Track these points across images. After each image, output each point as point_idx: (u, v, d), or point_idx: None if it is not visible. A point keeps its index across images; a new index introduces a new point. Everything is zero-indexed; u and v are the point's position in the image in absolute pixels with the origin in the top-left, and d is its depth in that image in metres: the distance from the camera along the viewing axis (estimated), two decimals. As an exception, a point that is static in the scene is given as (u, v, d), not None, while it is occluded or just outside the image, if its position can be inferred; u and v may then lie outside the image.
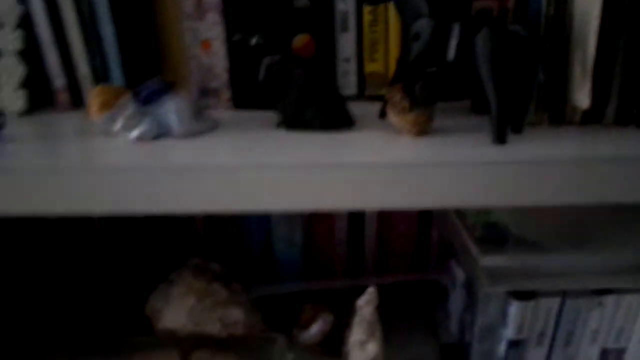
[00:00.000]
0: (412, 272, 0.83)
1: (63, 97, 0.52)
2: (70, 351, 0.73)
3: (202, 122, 0.45)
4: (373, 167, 0.40)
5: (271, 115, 0.50)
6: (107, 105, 0.42)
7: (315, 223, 0.81)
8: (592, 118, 0.46)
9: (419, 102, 0.42)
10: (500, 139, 0.42)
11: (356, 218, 0.82)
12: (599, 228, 0.60)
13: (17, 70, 0.51)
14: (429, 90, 0.42)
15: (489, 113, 0.43)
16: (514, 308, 0.59)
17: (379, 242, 0.83)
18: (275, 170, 0.40)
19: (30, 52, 0.51)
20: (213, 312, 0.72)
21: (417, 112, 0.43)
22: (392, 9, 0.51)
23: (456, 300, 0.68)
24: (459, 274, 0.66)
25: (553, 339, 0.62)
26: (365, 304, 0.60)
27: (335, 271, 0.86)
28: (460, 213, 0.66)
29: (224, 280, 0.75)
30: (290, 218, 0.80)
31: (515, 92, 0.42)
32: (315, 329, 0.75)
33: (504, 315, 0.60)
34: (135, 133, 0.43)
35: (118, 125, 0.43)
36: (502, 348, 0.62)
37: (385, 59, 0.52)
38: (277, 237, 0.81)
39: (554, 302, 0.60)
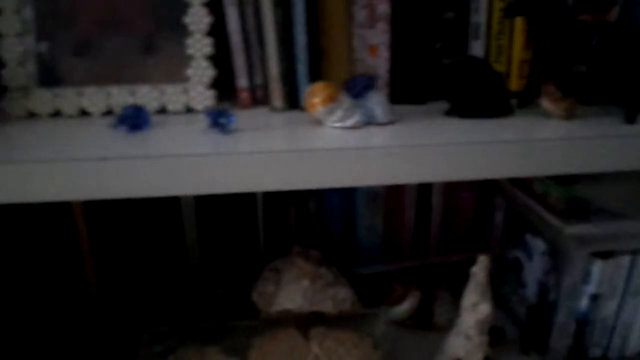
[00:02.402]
0: (475, 251, 0.95)
1: (244, 95, 0.59)
2: (189, 338, 0.77)
3: (393, 113, 0.54)
4: (538, 142, 0.51)
5: (426, 108, 0.60)
6: (331, 99, 0.50)
7: (391, 212, 0.91)
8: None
9: (570, 92, 0.54)
10: (630, 119, 0.55)
11: (423, 206, 0.92)
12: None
13: (206, 72, 0.58)
14: (576, 83, 0.54)
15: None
16: (597, 266, 0.72)
17: (443, 226, 0.94)
18: (468, 146, 0.49)
19: (217, 56, 0.58)
20: (325, 292, 0.79)
21: (569, 100, 0.54)
22: (517, 22, 0.62)
23: (534, 268, 0.80)
24: (538, 244, 0.78)
25: (624, 291, 0.75)
26: (480, 269, 0.70)
27: (403, 254, 0.95)
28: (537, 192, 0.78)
29: (326, 264, 0.83)
30: (373, 208, 0.89)
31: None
32: (407, 305, 0.84)
33: (587, 273, 0.73)
34: (349, 122, 0.52)
35: (336, 116, 0.51)
36: (583, 303, 0.74)
37: (508, 62, 0.64)
38: (360, 225, 0.90)
39: (625, 260, 0.73)
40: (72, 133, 0.52)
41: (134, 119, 0.51)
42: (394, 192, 0.90)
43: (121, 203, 0.78)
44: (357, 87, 0.51)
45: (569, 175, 0.73)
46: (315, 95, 0.51)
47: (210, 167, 0.44)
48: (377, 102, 0.52)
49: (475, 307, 0.72)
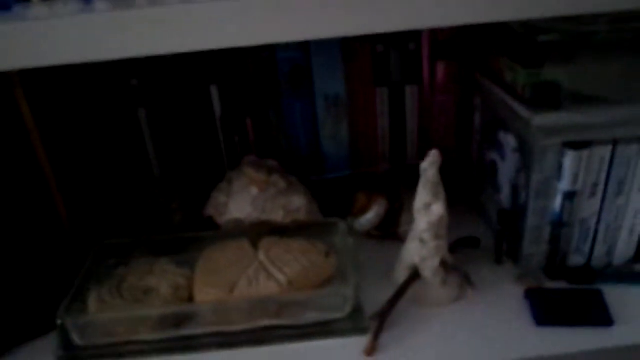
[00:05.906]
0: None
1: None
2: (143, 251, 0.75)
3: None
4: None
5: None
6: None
7: (359, 122, 0.84)
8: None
9: None
10: None
11: (398, 114, 0.85)
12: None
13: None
14: None
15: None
16: (569, 158, 0.62)
17: (420, 137, 0.87)
18: None
19: None
20: (276, 201, 0.75)
21: None
22: None
23: (508, 167, 0.71)
24: (510, 141, 0.69)
25: (605, 189, 0.65)
26: (430, 165, 0.63)
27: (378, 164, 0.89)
28: (507, 81, 0.69)
29: (281, 173, 0.79)
30: (335, 116, 0.83)
31: None
32: (372, 214, 0.79)
33: (559, 168, 0.64)
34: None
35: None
36: (557, 203, 0.65)
37: None
38: (324, 135, 0.84)
39: (606, 150, 0.63)
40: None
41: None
42: (360, 98, 0.83)
43: (79, 112, 0.76)
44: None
45: (534, 56, 0.63)
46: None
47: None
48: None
49: (427, 208, 0.65)
